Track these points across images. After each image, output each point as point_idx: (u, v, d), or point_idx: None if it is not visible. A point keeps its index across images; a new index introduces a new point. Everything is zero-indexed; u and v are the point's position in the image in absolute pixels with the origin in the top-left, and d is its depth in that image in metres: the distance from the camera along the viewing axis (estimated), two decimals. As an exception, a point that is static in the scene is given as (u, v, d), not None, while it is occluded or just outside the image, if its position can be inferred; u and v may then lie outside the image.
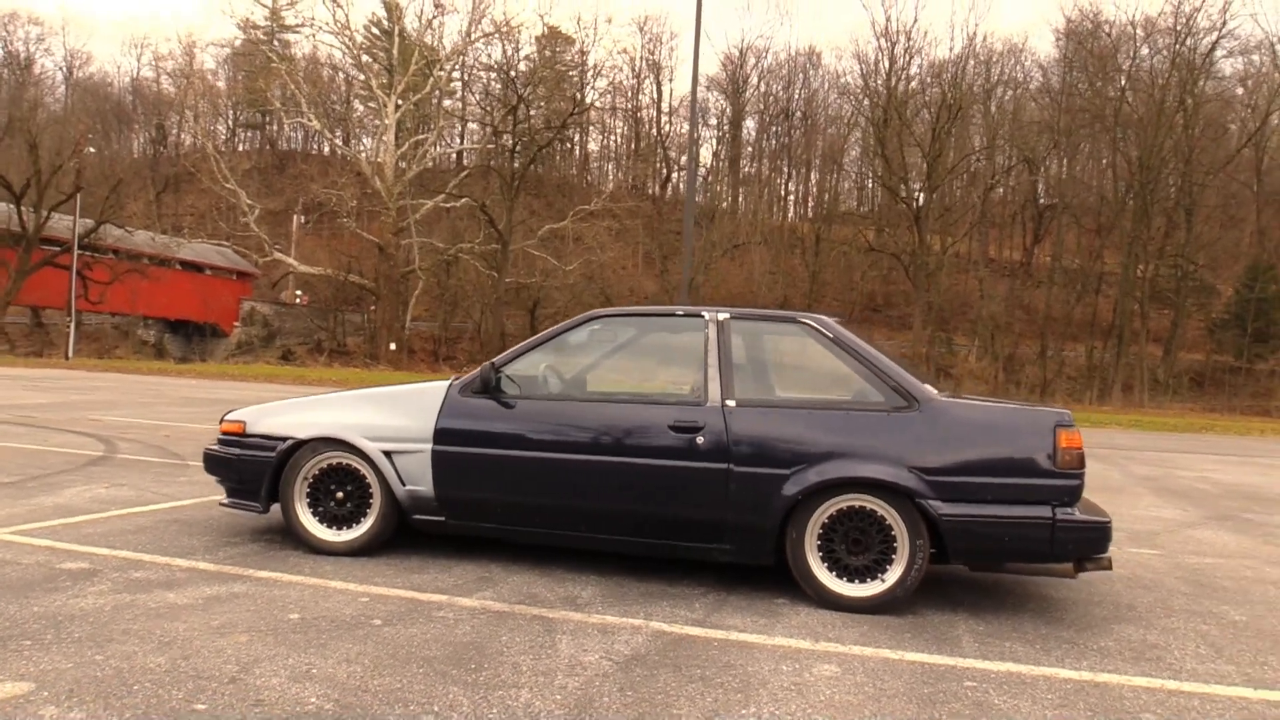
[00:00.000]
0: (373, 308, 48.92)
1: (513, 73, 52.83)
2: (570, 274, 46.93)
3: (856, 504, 4.22)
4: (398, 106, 44.76)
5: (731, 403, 4.39)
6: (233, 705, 2.76)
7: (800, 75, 68.06)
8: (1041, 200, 52.20)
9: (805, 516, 4.24)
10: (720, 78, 69.52)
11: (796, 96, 68.25)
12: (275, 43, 67.37)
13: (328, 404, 5.04)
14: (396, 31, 47.70)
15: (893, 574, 4.19)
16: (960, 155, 44.37)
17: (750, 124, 70.66)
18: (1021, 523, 4.08)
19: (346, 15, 43.95)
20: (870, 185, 59.67)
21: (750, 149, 70.66)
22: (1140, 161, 38.47)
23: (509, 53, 56.40)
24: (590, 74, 64.30)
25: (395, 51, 47.34)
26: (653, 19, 69.34)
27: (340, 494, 4.83)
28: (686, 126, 72.65)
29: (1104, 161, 48.35)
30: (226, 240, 50.32)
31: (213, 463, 5.11)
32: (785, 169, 70.00)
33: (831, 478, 4.19)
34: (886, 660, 3.52)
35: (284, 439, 4.88)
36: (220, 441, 5.11)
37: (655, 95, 73.15)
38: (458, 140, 65.14)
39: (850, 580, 4.24)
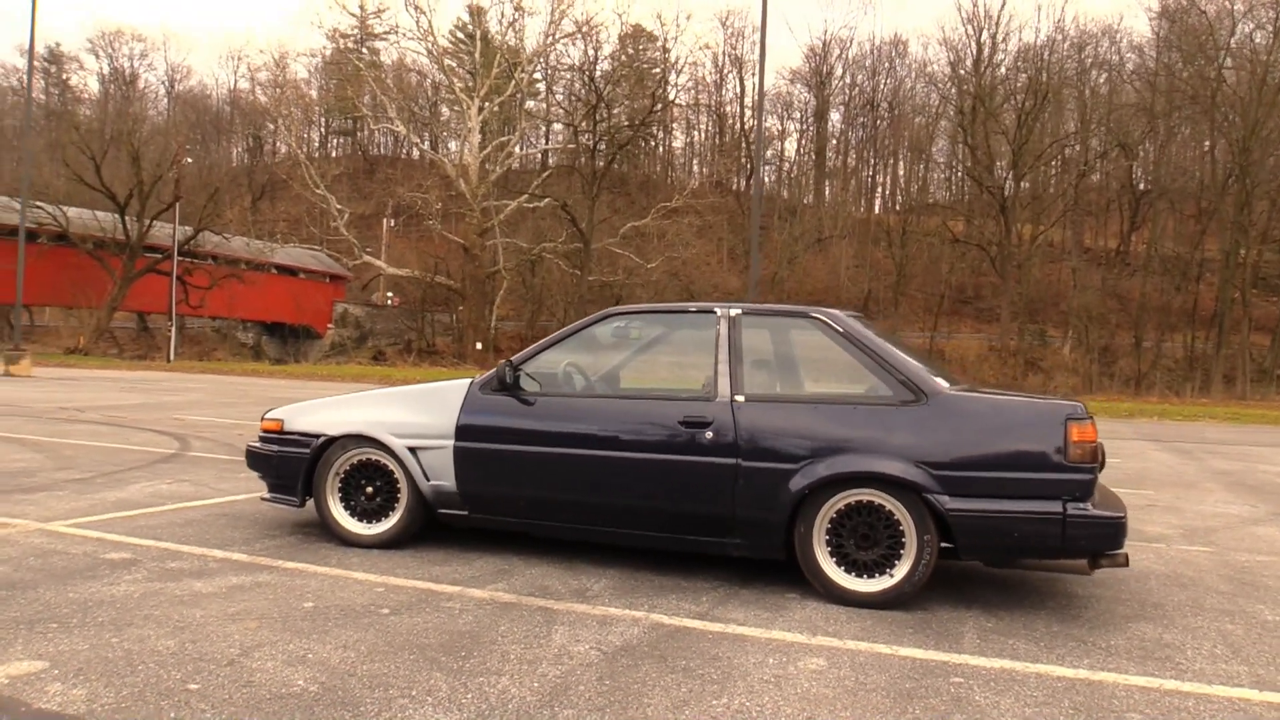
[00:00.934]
0: (460, 308, 49.86)
1: (595, 72, 53.28)
2: (653, 271, 47.10)
3: (864, 499, 4.22)
4: (481, 109, 45.53)
5: (740, 398, 4.42)
6: (224, 685, 2.92)
7: (886, 65, 67.06)
8: (1139, 186, 50.45)
9: (813, 511, 4.25)
10: (803, 70, 68.91)
11: (882, 87, 67.26)
12: (364, 51, 69.28)
13: (359, 402, 5.22)
14: (479, 35, 48.49)
15: (900, 569, 4.17)
16: (1049, 142, 43.08)
17: (835, 116, 69.88)
18: (1031, 518, 4.02)
19: (430, 22, 44.75)
20: (959, 175, 58.42)
21: (835, 141, 69.86)
22: (1242, 143, 36.83)
23: (590, 52, 56.89)
24: (672, 71, 64.43)
25: (478, 55, 48.17)
26: (734, 13, 69.04)
27: (370, 489, 5.01)
28: (770, 121, 72.26)
29: (1204, 144, 46.45)
30: (318, 244, 51.95)
31: (254, 459, 5.35)
32: (871, 160, 69.00)
33: (837, 472, 4.19)
34: (878, 655, 3.52)
35: (317, 436, 5.08)
36: (260, 439, 5.34)
37: (739, 90, 72.85)
38: (542, 141, 66.00)
39: (859, 575, 4.23)
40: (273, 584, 4.15)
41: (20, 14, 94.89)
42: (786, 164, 69.89)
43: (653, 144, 76.92)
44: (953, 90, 51.58)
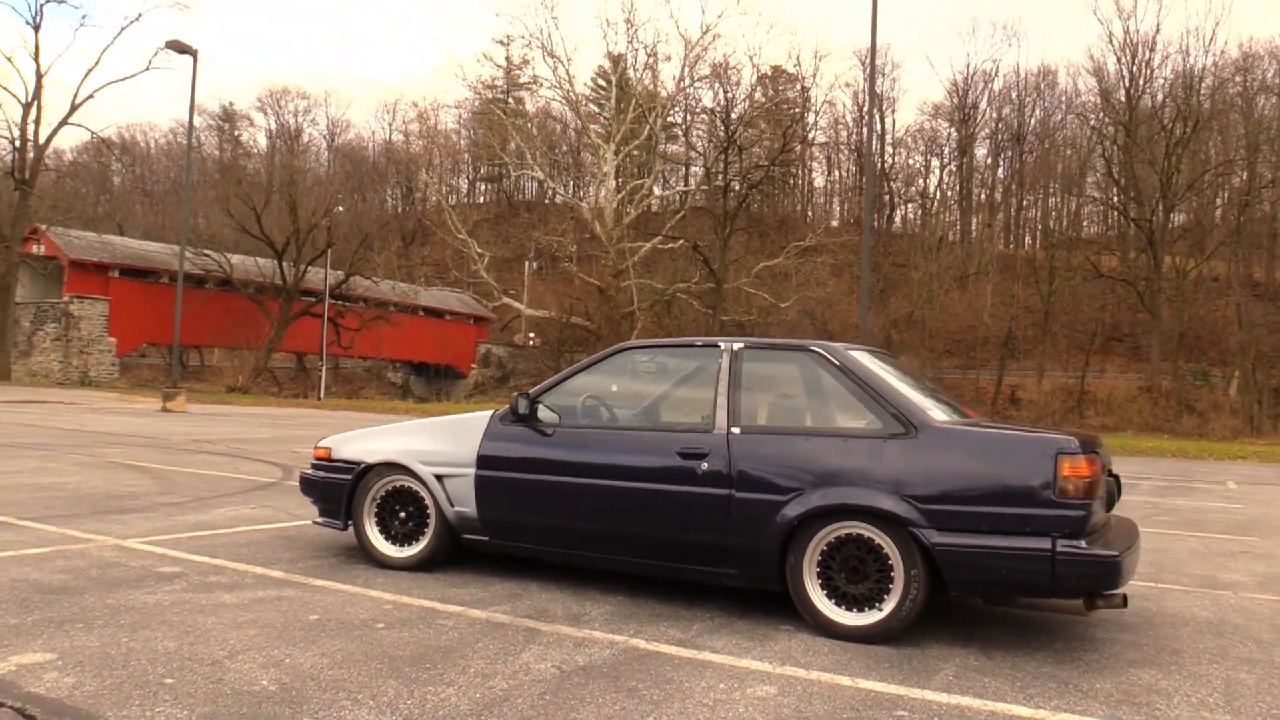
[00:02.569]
0: (597, 348, 50.83)
1: (732, 114, 53.80)
2: (787, 310, 46.89)
3: (854, 531, 4.23)
4: (617, 153, 46.64)
5: (736, 430, 4.52)
6: (196, 681, 3.22)
7: (1032, 97, 65.12)
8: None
9: (803, 543, 4.29)
10: (945, 105, 67.60)
11: (1028, 119, 65.28)
12: (509, 100, 72.05)
13: (395, 432, 5.56)
14: (614, 82, 49.77)
15: (889, 604, 4.15)
16: (1201, 171, 40.84)
17: (981, 150, 68.21)
18: (1018, 554, 3.95)
19: (567, 70, 46.05)
20: (1109, 209, 55.94)
21: (980, 176, 68.14)
22: None
23: (727, 94, 57.49)
24: (810, 110, 64.37)
25: (614, 101, 49.42)
26: (876, 51, 68.20)
27: (403, 514, 5.32)
28: (913, 158, 71.13)
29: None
30: (462, 287, 54.03)
31: (305, 485, 5.74)
32: (1017, 195, 66.88)
33: (825, 504, 4.22)
34: (834, 686, 3.54)
35: (358, 463, 5.43)
36: (312, 466, 5.74)
37: (879, 127, 72.06)
38: (679, 183, 66.87)
39: (849, 609, 4.24)
40: (291, 598, 4.48)
41: (200, 77, 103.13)
42: (929, 200, 68.43)
43: (792, 183, 76.86)
44: (1105, 119, 49.64)
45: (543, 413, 5.04)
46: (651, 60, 49.39)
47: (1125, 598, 4.12)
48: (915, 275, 50.50)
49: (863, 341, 23.40)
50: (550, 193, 58.47)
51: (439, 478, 5.17)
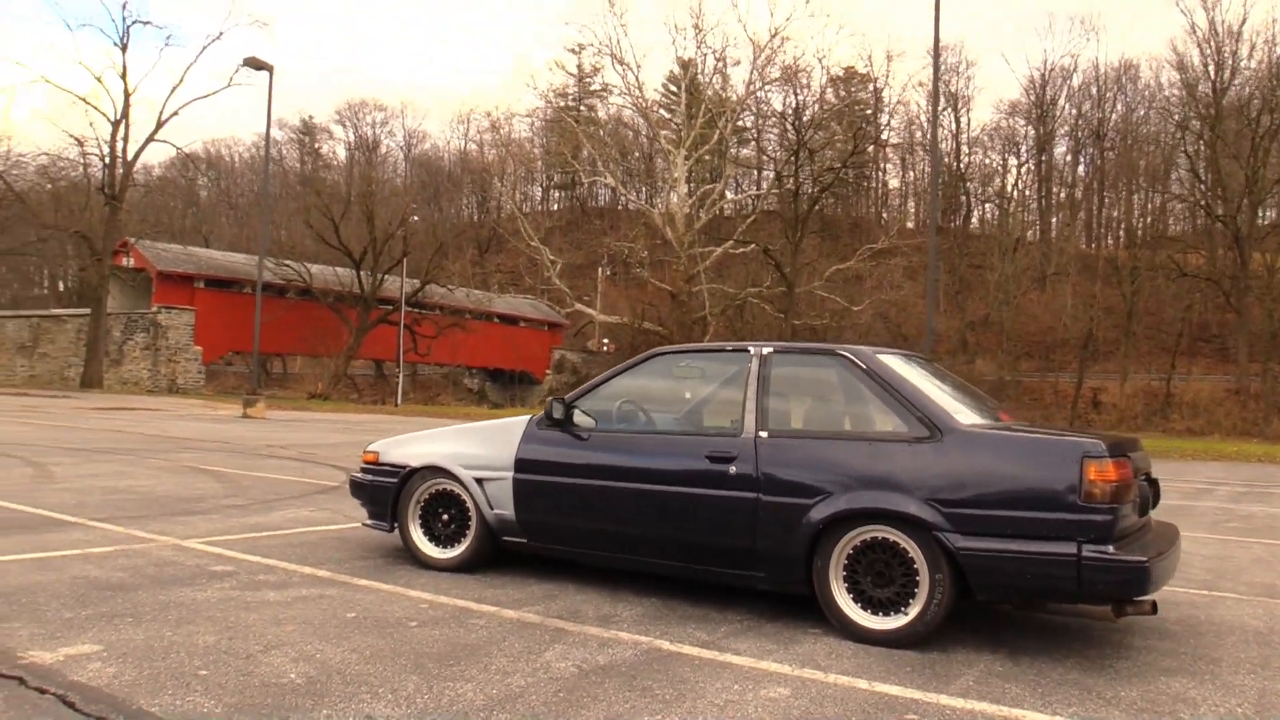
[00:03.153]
0: (669, 354, 50.78)
1: (803, 116, 53.49)
2: (861, 314, 46.40)
3: (879, 535, 4.23)
4: (687, 158, 46.71)
5: (764, 434, 4.55)
6: (228, 673, 3.38)
7: (1113, 92, 63.36)
8: None
9: (829, 547, 4.31)
10: (1023, 103, 66.20)
11: (1109, 115, 63.57)
12: (581, 108, 72.67)
13: (439, 437, 5.71)
14: (684, 87, 49.86)
15: (914, 608, 4.15)
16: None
17: (1060, 148, 66.64)
18: (1043, 559, 3.91)
19: (636, 77, 46.28)
20: (1193, 206, 54.14)
21: (1060, 174, 66.53)
22: None
23: (797, 97, 57.19)
24: (884, 111, 63.65)
25: (683, 106, 49.51)
26: (948, 48, 67.15)
27: (445, 516, 5.46)
28: (990, 156, 69.75)
29: None
30: (533, 294, 54.64)
31: (354, 487, 5.94)
32: (1098, 193, 65.11)
33: (850, 508, 4.24)
34: (851, 689, 3.55)
35: (403, 467, 5.60)
36: (361, 469, 5.93)
37: (954, 126, 70.90)
38: (750, 186, 66.65)
39: (875, 613, 4.24)
40: (333, 597, 4.65)
41: (280, 92, 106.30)
42: (1006, 200, 67.03)
43: (867, 185, 76.04)
44: (1188, 115, 48.10)
45: (578, 417, 5.13)
46: (720, 65, 49.37)
47: (1155, 604, 4.05)
48: (992, 277, 49.52)
49: (930, 344, 23.09)
50: (622, 199, 58.90)
51: (479, 481, 5.30)
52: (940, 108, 69.91)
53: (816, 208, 52.40)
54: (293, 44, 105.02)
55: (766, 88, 51.01)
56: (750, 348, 4.88)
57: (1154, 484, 4.65)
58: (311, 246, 46.43)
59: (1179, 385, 40.46)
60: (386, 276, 44.02)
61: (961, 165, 69.84)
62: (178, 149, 45.68)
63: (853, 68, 65.95)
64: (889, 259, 46.76)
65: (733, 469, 4.54)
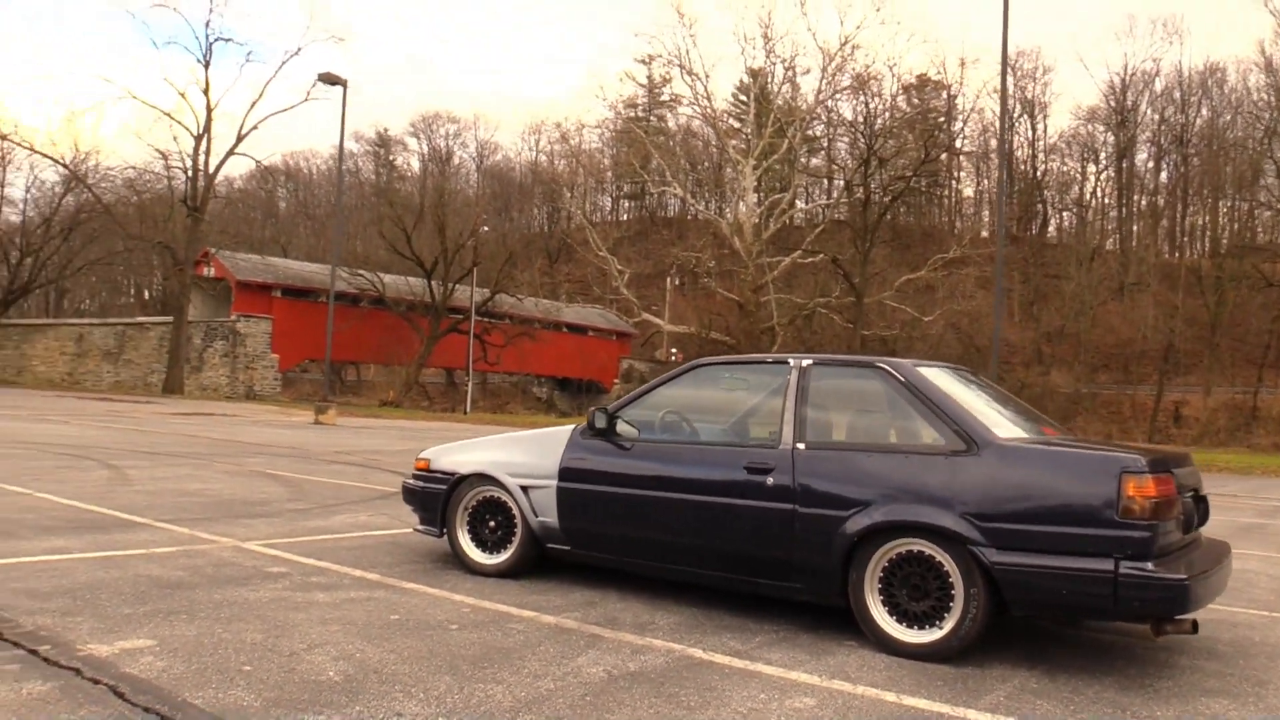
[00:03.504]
0: (735, 363, 50.63)
1: (873, 124, 53.01)
2: (932, 324, 45.77)
3: (915, 548, 4.23)
4: (756, 168, 46.63)
5: (801, 445, 4.58)
6: (270, 669, 3.52)
7: (1197, 96, 61.58)
8: None
9: (865, 559, 4.31)
10: (1101, 109, 64.73)
11: (1193, 120, 61.75)
12: (651, 119, 72.98)
13: (487, 445, 5.83)
14: (753, 97, 49.82)
15: (949, 622, 4.13)
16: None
17: (1141, 155, 64.97)
18: (1080, 575, 3.87)
19: (705, 87, 46.37)
20: (1285, 213, 52.24)
21: (1141, 181, 64.82)
22: None
23: (867, 105, 56.70)
24: (958, 118, 62.66)
25: (752, 115, 49.47)
26: (1024, 54, 65.99)
27: (492, 523, 5.58)
28: (1067, 164, 68.23)
29: None
30: (602, 304, 55.02)
31: (406, 494, 6.09)
32: (1180, 201, 63.25)
33: (885, 520, 4.24)
34: (878, 702, 3.56)
35: (452, 474, 5.73)
36: (413, 476, 6.08)
37: (1030, 134, 69.60)
38: (821, 196, 66.21)
39: (911, 626, 4.23)
40: (380, 599, 4.79)
41: (356, 106, 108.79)
42: (1084, 208, 65.53)
43: (940, 193, 74.96)
44: (1277, 119, 46.51)
45: (621, 427, 5.21)
46: (790, 73, 49.24)
47: (1195, 623, 3.98)
48: (1068, 287, 48.42)
49: (997, 356, 22.67)
50: (691, 209, 59.02)
51: (524, 489, 5.41)
52: (1016, 114, 68.79)
53: (887, 217, 51.84)
54: (368, 58, 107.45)
55: (836, 96, 50.54)
56: (790, 359, 4.91)
57: (1202, 501, 4.55)
58: (385, 257, 47.42)
59: (1265, 399, 39.10)
60: (457, 286, 44.74)
61: (1038, 173, 68.52)
62: (257, 162, 47.14)
63: (926, 74, 65.12)
64: (961, 269, 46.03)
65: (770, 480, 4.57)
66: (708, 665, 3.93)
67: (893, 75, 51.36)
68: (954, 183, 73.55)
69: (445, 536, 5.76)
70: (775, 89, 50.26)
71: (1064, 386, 45.44)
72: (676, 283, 62.12)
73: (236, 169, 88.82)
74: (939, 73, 62.05)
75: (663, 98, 73.66)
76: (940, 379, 4.69)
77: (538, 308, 50.45)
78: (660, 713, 3.30)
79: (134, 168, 40.72)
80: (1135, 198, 64.71)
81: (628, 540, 5.08)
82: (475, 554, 5.61)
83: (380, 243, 47.64)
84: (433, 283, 43.76)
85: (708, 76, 46.83)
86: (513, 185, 76.90)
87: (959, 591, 4.10)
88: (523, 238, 65.75)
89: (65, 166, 36.78)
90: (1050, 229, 68.95)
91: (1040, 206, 68.87)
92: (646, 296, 52.92)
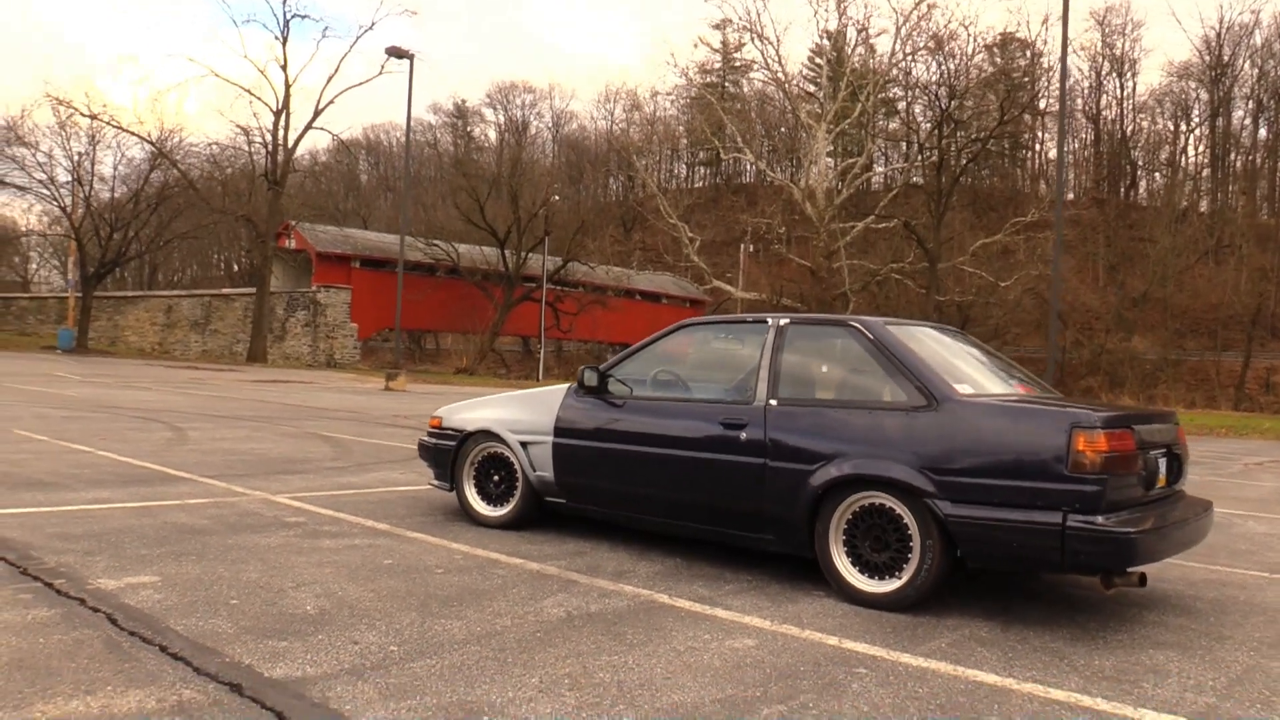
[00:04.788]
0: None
1: (949, 86, 51.80)
2: (1010, 289, 44.80)
3: (876, 501, 4.36)
4: (829, 132, 46.04)
5: (774, 402, 4.73)
6: (255, 603, 3.85)
7: (1300, 49, 58.51)
8: None
9: (829, 511, 4.46)
10: (1195, 65, 62.04)
11: (1295, 74, 58.76)
12: (726, 85, 72.43)
13: (492, 403, 6.11)
14: (825, 60, 49.08)
15: (906, 573, 4.27)
16: None
17: (1238, 112, 62.24)
18: (1029, 528, 3.97)
19: (777, 52, 45.92)
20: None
21: (1236, 140, 62.12)
22: None
23: (940, 67, 55.38)
24: (1043, 77, 60.73)
25: (824, 79, 48.78)
26: (1113, 9, 63.66)
27: (496, 477, 5.86)
28: (1159, 121, 65.70)
29: None
30: (675, 271, 55.11)
31: (421, 450, 6.41)
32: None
33: (846, 474, 4.38)
34: (816, 644, 3.73)
35: (460, 431, 6.02)
36: (428, 433, 6.39)
37: (1118, 93, 67.20)
38: (899, 160, 64.99)
39: (872, 576, 4.38)
40: (380, 546, 5.10)
41: (435, 77, 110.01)
42: (1175, 169, 63.09)
43: (1022, 155, 72.93)
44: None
45: (613, 385, 5.42)
46: (863, 35, 48.34)
47: (1144, 577, 4.05)
48: (1152, 250, 46.85)
49: (1055, 322, 22.12)
50: (762, 175, 58.60)
51: (524, 445, 5.67)
52: (1104, 72, 66.41)
53: (965, 180, 50.72)
54: (443, 29, 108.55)
55: (910, 58, 49.47)
56: (769, 319, 5.06)
57: (1176, 459, 4.58)
58: (461, 227, 48.18)
59: (1363, 366, 37.40)
60: (530, 255, 45.28)
61: (1126, 132, 66.17)
62: (333, 135, 48.08)
63: (1010, 32, 63.20)
64: (1041, 232, 44.86)
65: (743, 435, 4.74)
66: (668, 609, 4.14)
67: (968, 34, 49.95)
68: (1038, 145, 71.43)
69: (453, 490, 6.06)
70: (849, 52, 49.40)
71: (1148, 352, 44.11)
72: (750, 249, 61.78)
73: (320, 142, 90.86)
74: (1024, 30, 60.16)
75: (737, 63, 73.08)
76: (912, 338, 4.78)
77: (610, 275, 50.78)
78: (599, 646, 3.53)
79: (217, 143, 42.23)
80: (1230, 157, 62.06)
81: (616, 493, 5.30)
82: (480, 506, 5.90)
83: (456, 213, 48.42)
84: (506, 252, 44.39)
85: (779, 41, 46.58)
86: (588, 154, 77.17)
87: (916, 543, 4.23)
88: (595, 206, 66.06)
89: (151, 144, 38.21)
90: (1140, 190, 66.65)
91: (1128, 167, 66.50)
92: (720, 263, 52.77)
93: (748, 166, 75.95)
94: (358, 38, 69.35)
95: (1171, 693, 3.37)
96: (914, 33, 46.44)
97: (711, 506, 4.89)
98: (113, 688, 2.87)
